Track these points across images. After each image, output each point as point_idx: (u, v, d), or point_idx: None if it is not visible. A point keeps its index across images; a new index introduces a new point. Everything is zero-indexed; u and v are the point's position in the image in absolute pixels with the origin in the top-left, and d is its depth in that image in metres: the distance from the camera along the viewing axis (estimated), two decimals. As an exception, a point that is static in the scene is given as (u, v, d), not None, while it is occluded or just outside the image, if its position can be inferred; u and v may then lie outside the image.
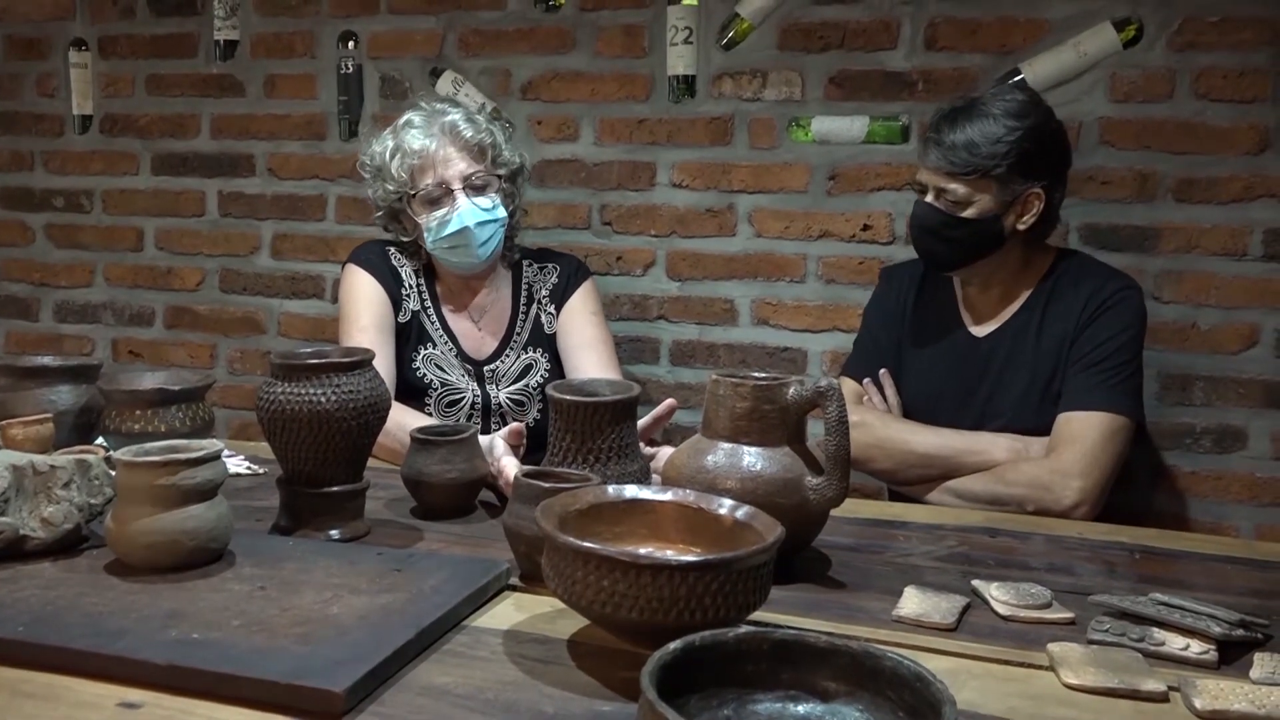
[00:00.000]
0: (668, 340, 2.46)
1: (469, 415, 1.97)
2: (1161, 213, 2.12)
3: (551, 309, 2.05)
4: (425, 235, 1.93)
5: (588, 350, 2.01)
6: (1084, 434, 1.69)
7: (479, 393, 1.98)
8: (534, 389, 2.01)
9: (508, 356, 2.01)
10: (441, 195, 1.90)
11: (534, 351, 2.03)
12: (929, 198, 1.79)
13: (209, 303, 2.79)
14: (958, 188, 1.75)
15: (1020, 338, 1.83)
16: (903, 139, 2.24)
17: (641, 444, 1.46)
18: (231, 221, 2.75)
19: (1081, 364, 1.76)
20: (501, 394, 1.99)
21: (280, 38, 2.65)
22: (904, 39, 2.23)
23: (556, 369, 2.03)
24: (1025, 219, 1.77)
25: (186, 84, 2.74)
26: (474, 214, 1.90)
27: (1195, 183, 2.10)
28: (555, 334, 2.05)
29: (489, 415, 1.98)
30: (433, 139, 1.91)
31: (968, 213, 1.76)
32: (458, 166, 1.91)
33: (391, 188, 1.94)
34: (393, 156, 1.92)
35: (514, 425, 1.55)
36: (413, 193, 1.92)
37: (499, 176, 1.96)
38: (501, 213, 1.94)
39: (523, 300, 2.05)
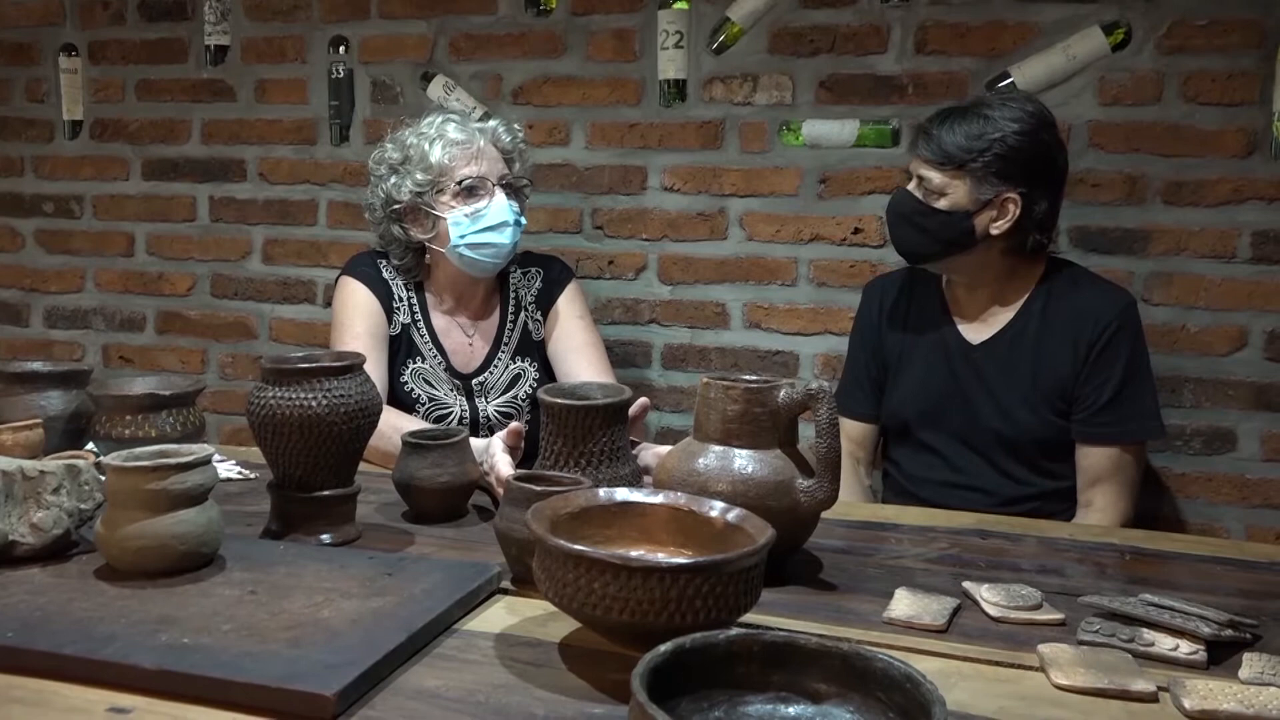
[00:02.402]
0: (659, 344, 2.46)
1: None
2: (1150, 215, 2.13)
3: (539, 315, 2.05)
4: (452, 229, 1.90)
5: (578, 355, 2.01)
6: (1119, 468, 1.79)
7: (467, 407, 1.98)
8: (523, 400, 2.00)
9: (496, 367, 2.01)
10: (479, 187, 1.91)
11: (522, 360, 2.03)
12: (910, 185, 1.83)
13: (200, 308, 2.79)
14: (934, 176, 1.78)
15: (1017, 345, 1.84)
16: (893, 142, 2.25)
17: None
18: (222, 226, 2.75)
19: (1104, 395, 1.78)
20: (490, 407, 1.99)
21: (271, 43, 2.65)
22: (894, 43, 2.24)
23: (545, 378, 2.03)
24: (1000, 224, 1.77)
25: (177, 89, 2.73)
26: (510, 211, 1.92)
27: (1184, 185, 2.11)
28: (543, 340, 2.05)
29: (477, 429, 1.96)
30: (474, 134, 1.94)
31: (940, 204, 1.78)
32: (497, 165, 1.95)
33: (421, 178, 1.91)
34: (432, 144, 1.92)
35: (514, 425, 1.53)
36: (455, 181, 1.90)
37: (521, 188, 2.02)
38: (524, 221, 1.97)
39: (510, 308, 2.05)
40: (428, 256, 1.99)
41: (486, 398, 1.99)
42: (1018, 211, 1.76)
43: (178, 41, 2.72)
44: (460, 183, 1.90)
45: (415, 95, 2.53)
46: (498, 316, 2.04)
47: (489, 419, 1.98)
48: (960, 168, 1.75)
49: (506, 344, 2.02)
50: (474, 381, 2.00)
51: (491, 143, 1.96)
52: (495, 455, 1.46)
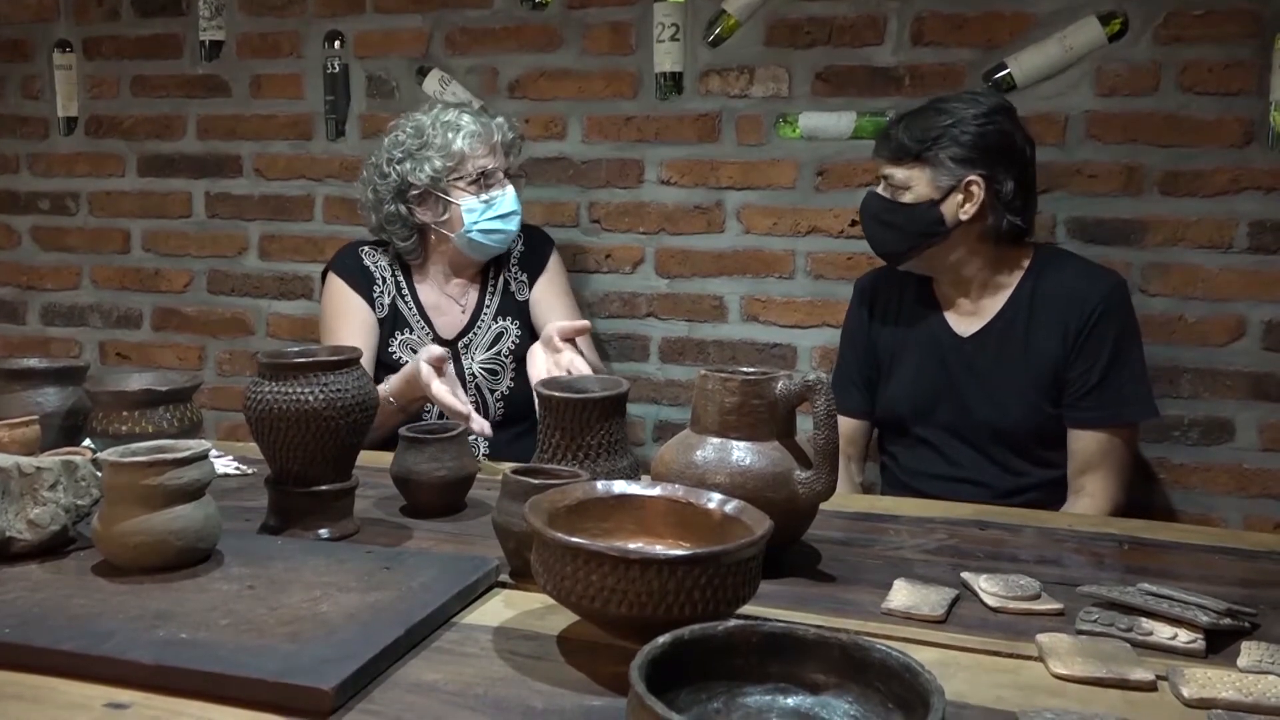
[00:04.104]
0: (657, 338, 2.46)
1: None
2: (1148, 206, 2.13)
3: (523, 276, 2.15)
4: (466, 215, 2.00)
5: (551, 315, 2.08)
6: (1109, 452, 1.79)
7: (453, 369, 2.03)
8: (505, 356, 2.09)
9: (480, 328, 2.10)
10: (493, 177, 2.03)
11: (504, 320, 2.12)
12: (879, 188, 1.85)
13: (197, 304, 2.78)
14: (895, 172, 1.81)
15: (1007, 337, 1.83)
16: (890, 134, 2.24)
17: (556, 339, 1.62)
18: (219, 222, 2.74)
19: (1092, 378, 1.78)
20: (475, 364, 2.07)
21: (266, 38, 2.64)
22: (890, 34, 2.23)
23: (526, 335, 2.10)
24: (967, 208, 1.78)
25: (172, 85, 2.73)
26: (516, 201, 2.05)
27: (1181, 175, 2.11)
28: (527, 302, 2.14)
29: (464, 387, 2.03)
30: (489, 126, 2.03)
31: (906, 198, 1.80)
32: (501, 158, 2.05)
33: (439, 164, 2.00)
34: (455, 133, 2.00)
35: (434, 349, 1.67)
36: (473, 170, 2.00)
37: (516, 179, 2.13)
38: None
39: (491, 271, 2.14)
40: (433, 238, 2.08)
41: (472, 355, 2.08)
42: (982, 194, 1.77)
43: (172, 37, 2.71)
44: (479, 172, 2.01)
45: (411, 90, 2.53)
46: (480, 279, 2.14)
47: (474, 376, 2.07)
48: (918, 158, 1.78)
49: (489, 305, 2.12)
50: (460, 343, 2.09)
51: (499, 136, 2.05)
52: (430, 382, 1.62)
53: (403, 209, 2.04)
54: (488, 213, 2.01)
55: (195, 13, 2.67)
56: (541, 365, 1.69)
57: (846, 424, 1.98)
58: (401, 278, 2.11)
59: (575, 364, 1.61)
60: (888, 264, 1.92)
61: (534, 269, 2.16)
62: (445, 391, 1.62)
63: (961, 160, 1.76)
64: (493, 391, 2.08)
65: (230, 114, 2.69)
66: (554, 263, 2.20)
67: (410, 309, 2.09)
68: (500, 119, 2.08)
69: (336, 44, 2.58)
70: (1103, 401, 1.78)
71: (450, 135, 2.00)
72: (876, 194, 1.85)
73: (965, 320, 1.88)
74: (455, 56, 2.51)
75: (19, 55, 2.83)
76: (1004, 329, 1.84)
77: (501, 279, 2.14)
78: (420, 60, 2.53)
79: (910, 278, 1.94)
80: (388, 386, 1.79)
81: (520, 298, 2.15)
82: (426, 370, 1.63)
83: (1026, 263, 1.86)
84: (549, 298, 2.14)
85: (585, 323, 1.70)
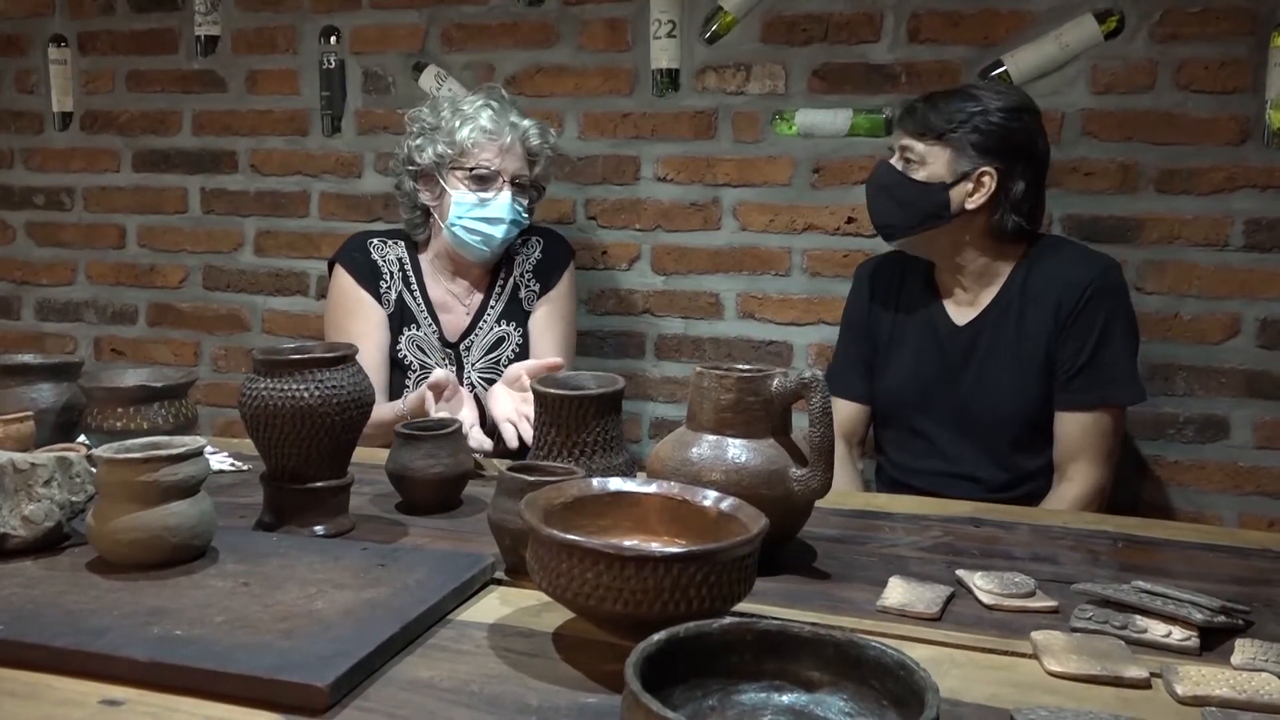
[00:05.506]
0: (653, 335, 2.46)
1: None
2: (1143, 203, 2.14)
3: (534, 285, 2.12)
4: (454, 207, 1.99)
5: (546, 335, 2.09)
6: (1096, 436, 1.78)
7: (454, 374, 2.02)
8: (504, 365, 2.05)
9: (481, 329, 2.07)
10: (491, 179, 1.99)
11: (507, 324, 2.09)
12: (893, 160, 1.85)
13: (192, 300, 2.78)
14: (915, 145, 1.80)
15: (1000, 324, 1.84)
16: (886, 131, 2.25)
17: (525, 378, 1.61)
18: (214, 218, 2.74)
19: (1082, 358, 1.78)
20: (473, 371, 2.05)
21: (262, 33, 2.64)
22: (887, 31, 2.23)
23: (528, 347, 2.09)
24: (975, 198, 1.78)
25: (167, 80, 2.72)
26: (511, 210, 1.99)
27: (1177, 173, 2.11)
28: (531, 311, 2.12)
29: None
30: (505, 128, 2.00)
31: (919, 174, 1.80)
32: (515, 163, 2.01)
33: (443, 150, 1.99)
34: (463, 123, 1.99)
35: (435, 375, 1.68)
36: (471, 165, 1.98)
37: (535, 191, 2.09)
38: (525, 220, 2.05)
39: (502, 273, 2.11)
40: (434, 222, 2.07)
41: (472, 360, 2.06)
42: (994, 186, 1.78)
43: (168, 32, 2.71)
44: (473, 169, 1.98)
45: (407, 86, 2.52)
46: (488, 280, 2.11)
47: (471, 385, 2.04)
48: (940, 137, 1.78)
49: (494, 306, 2.09)
50: (461, 345, 2.07)
51: (520, 140, 2.01)
52: (430, 407, 1.67)
53: (410, 185, 2.05)
54: (476, 210, 1.98)
55: (191, 8, 2.66)
56: (506, 405, 1.67)
57: (846, 408, 1.98)
58: (410, 271, 2.08)
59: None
60: (883, 239, 1.92)
61: (547, 280, 2.11)
62: (446, 415, 1.64)
63: (983, 149, 1.77)
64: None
65: (226, 109, 2.69)
66: (566, 280, 2.13)
67: (418, 304, 2.06)
68: (528, 123, 2.03)
69: (332, 39, 2.58)
70: (1090, 383, 1.78)
71: (459, 124, 1.99)
72: (889, 164, 1.84)
73: (962, 309, 1.89)
74: (451, 52, 2.50)
75: (14, 50, 2.82)
76: (998, 316, 1.84)
77: (511, 282, 2.10)
78: (416, 56, 2.52)
79: (912, 266, 1.95)
80: (404, 405, 1.82)
81: (528, 307, 2.10)
82: (429, 397, 1.67)
83: (1023, 252, 1.86)
84: (549, 320, 2.09)
85: (557, 360, 1.68)
